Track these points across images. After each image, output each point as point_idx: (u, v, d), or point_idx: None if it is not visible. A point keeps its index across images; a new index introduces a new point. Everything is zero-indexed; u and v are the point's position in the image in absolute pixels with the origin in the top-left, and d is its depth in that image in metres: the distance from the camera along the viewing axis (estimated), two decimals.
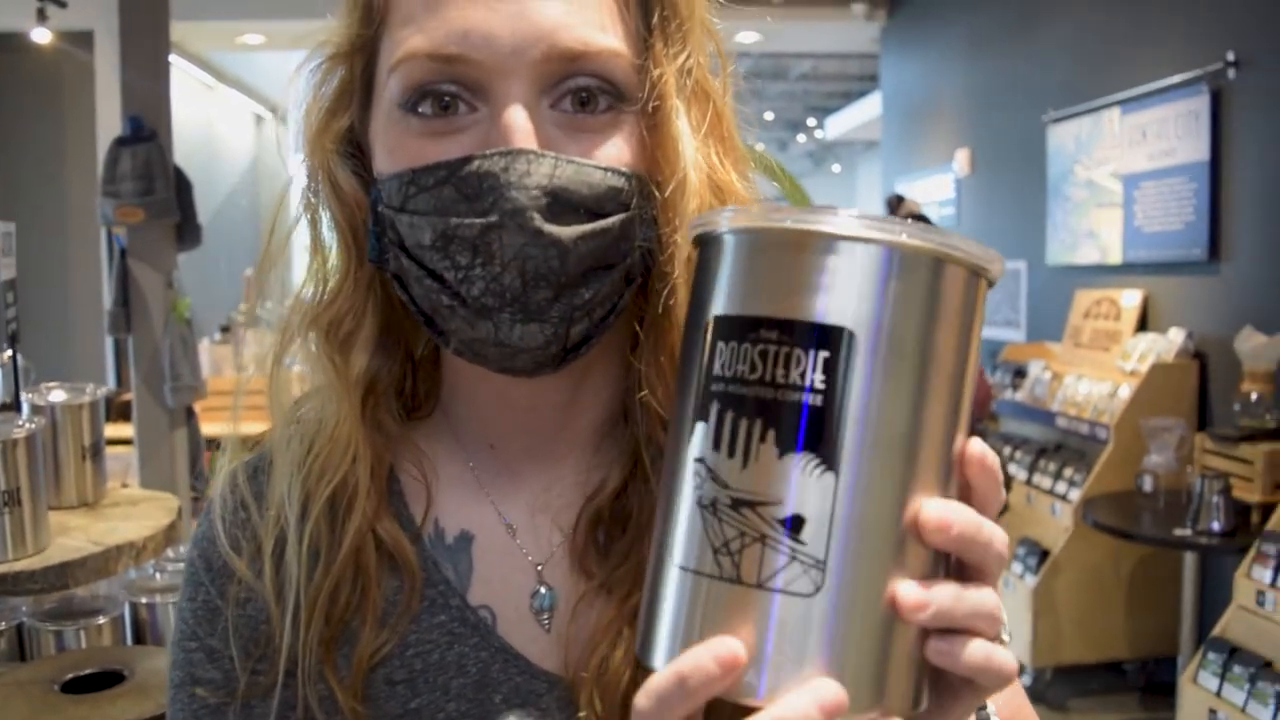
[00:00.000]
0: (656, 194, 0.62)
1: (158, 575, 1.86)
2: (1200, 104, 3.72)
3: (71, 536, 1.73)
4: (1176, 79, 3.84)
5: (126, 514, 1.93)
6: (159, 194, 3.00)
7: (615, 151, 0.61)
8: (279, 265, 0.71)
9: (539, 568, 0.69)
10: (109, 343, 6.18)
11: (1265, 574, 2.79)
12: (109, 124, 5.75)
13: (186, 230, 3.14)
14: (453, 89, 0.60)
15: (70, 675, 1.38)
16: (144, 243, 3.07)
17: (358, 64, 0.65)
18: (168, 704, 0.70)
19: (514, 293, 0.58)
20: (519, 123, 0.58)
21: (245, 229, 9.20)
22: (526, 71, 0.59)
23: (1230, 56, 3.57)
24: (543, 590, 0.68)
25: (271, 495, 0.67)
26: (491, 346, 0.60)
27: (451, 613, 0.67)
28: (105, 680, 1.39)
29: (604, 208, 0.60)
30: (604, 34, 0.60)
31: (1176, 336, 3.86)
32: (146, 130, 3.01)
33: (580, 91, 0.60)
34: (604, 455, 0.70)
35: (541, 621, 0.68)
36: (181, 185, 3.12)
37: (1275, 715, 2.62)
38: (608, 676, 0.63)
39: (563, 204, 0.59)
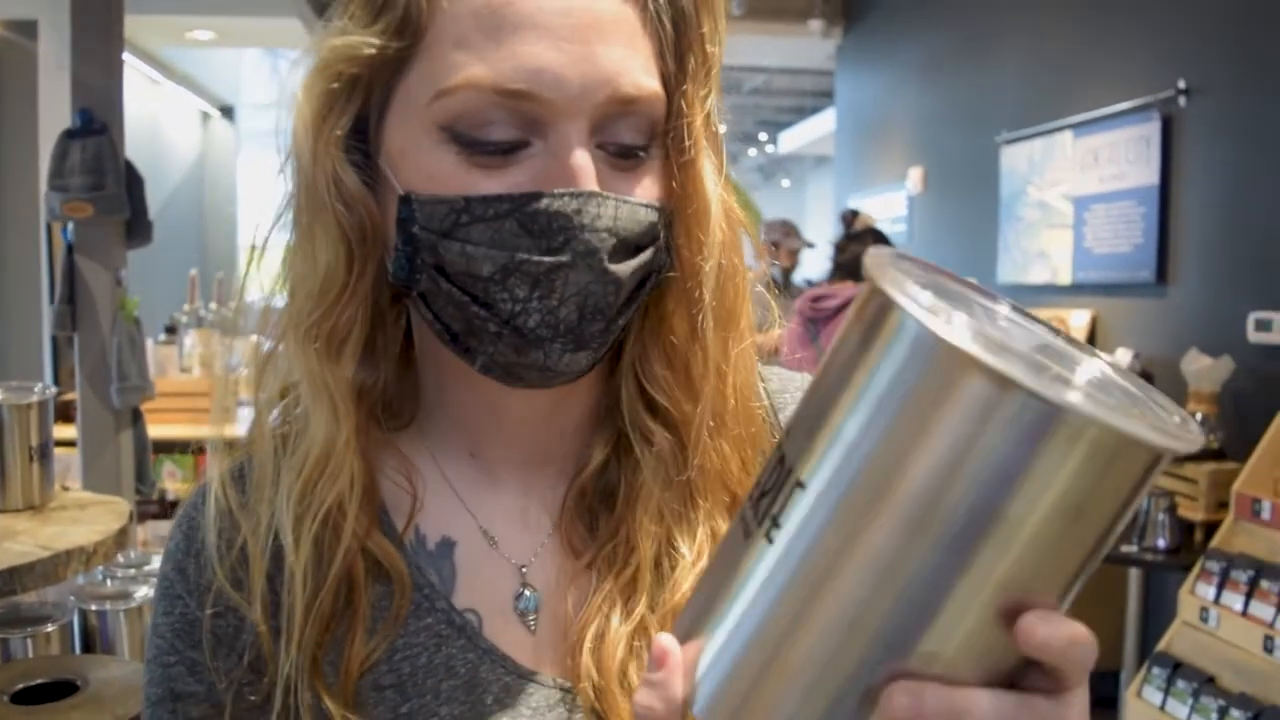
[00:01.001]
0: (679, 225, 0.66)
1: (108, 581, 1.81)
2: (1151, 130, 3.80)
3: (18, 541, 1.67)
4: (1129, 104, 3.92)
5: (75, 518, 1.88)
6: (109, 189, 2.92)
7: (652, 188, 0.64)
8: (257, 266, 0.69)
9: (522, 570, 0.69)
10: (47, 341, 6.02)
11: (1209, 591, 2.84)
12: (52, 116, 5.60)
13: (137, 227, 3.06)
14: (510, 122, 0.60)
15: (20, 685, 1.33)
16: (92, 239, 2.99)
17: (380, 71, 0.63)
18: None
19: (569, 324, 0.61)
20: (587, 165, 0.60)
21: (190, 228, 9.04)
22: (590, 113, 0.60)
23: (1181, 84, 3.65)
24: (526, 593, 0.69)
25: (260, 508, 0.66)
26: (535, 371, 0.62)
27: (438, 615, 0.67)
28: (57, 691, 1.34)
29: (644, 242, 0.64)
30: (650, 77, 0.62)
31: (1124, 357, 3.93)
32: (97, 123, 2.94)
33: (626, 140, 0.63)
34: (587, 442, 0.72)
35: (527, 623, 0.68)
36: (132, 180, 3.04)
37: None
38: (604, 647, 0.64)
39: (622, 244, 0.62)
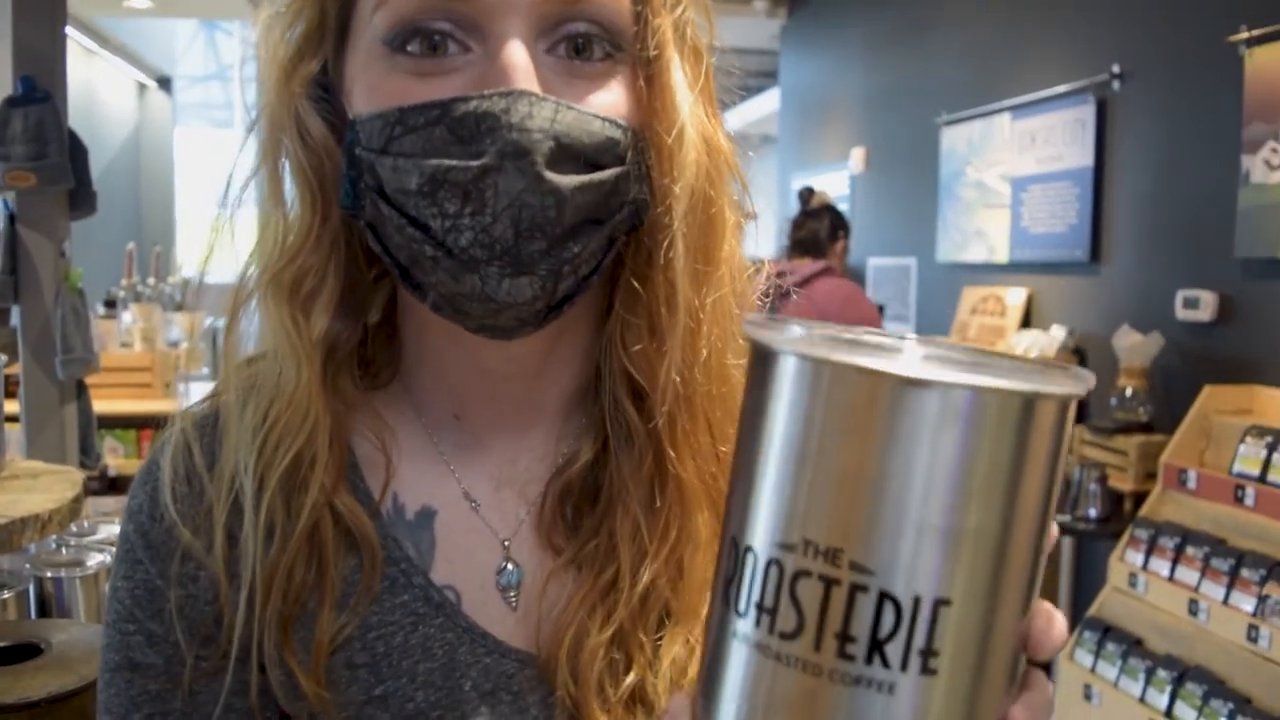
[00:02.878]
0: (650, 148, 0.61)
1: (62, 550, 1.81)
2: (1086, 113, 3.89)
3: None
4: (1064, 88, 4.00)
5: (28, 487, 1.87)
6: (52, 158, 2.87)
7: (612, 100, 0.59)
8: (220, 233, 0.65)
9: (505, 543, 0.67)
10: None
11: (1137, 558, 2.95)
12: None
13: (80, 197, 3.01)
14: (445, 26, 0.57)
15: None
16: (35, 209, 2.94)
17: (332, 3, 0.61)
18: (101, 688, 0.65)
19: (505, 244, 0.55)
20: (520, 60, 0.56)
21: (127, 200, 8.86)
22: (525, 10, 0.57)
23: (1115, 69, 3.74)
24: (509, 567, 0.66)
25: (224, 463, 0.63)
26: (475, 302, 0.57)
27: (414, 592, 0.64)
28: (20, 654, 1.35)
29: (601, 159, 0.58)
30: None
31: (1058, 333, 4.03)
32: (40, 91, 2.89)
33: (577, 37, 0.58)
34: (573, 425, 0.68)
35: (509, 599, 0.65)
36: (76, 150, 2.99)
37: (1145, 689, 2.78)
38: (581, 655, 0.62)
39: (563, 151, 0.56)
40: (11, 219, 2.92)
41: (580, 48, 0.58)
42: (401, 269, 0.60)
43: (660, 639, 0.62)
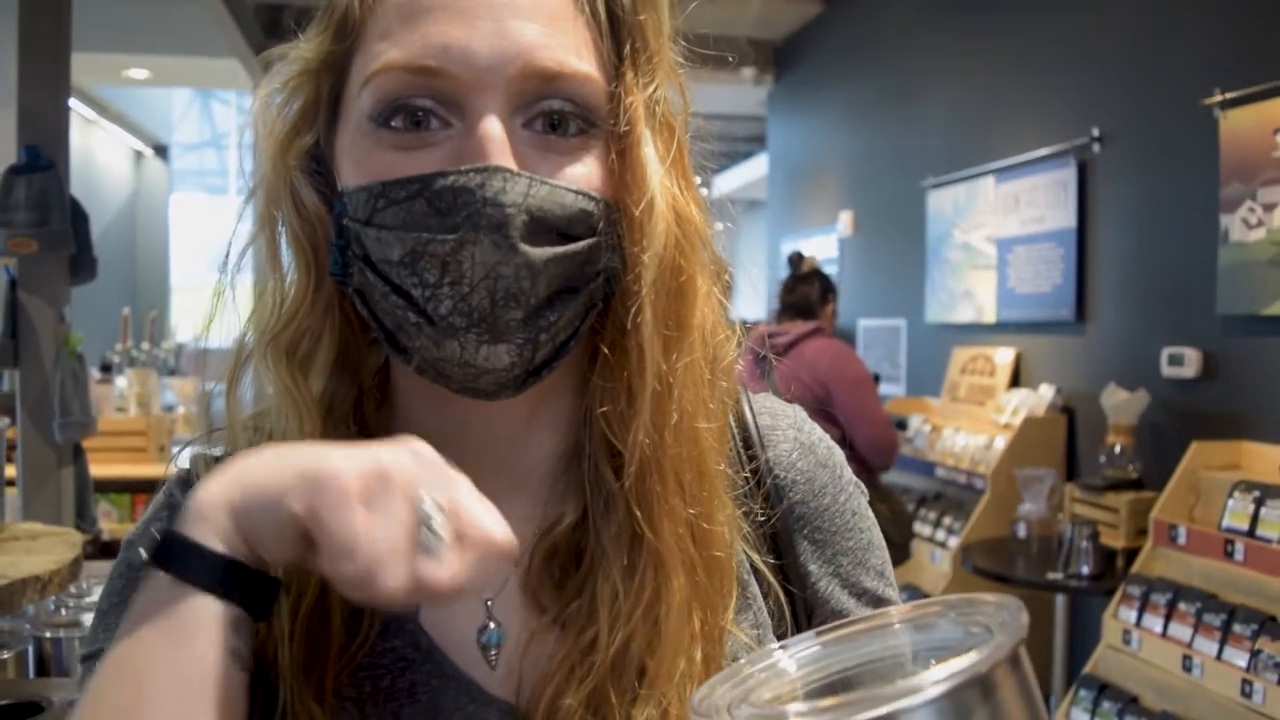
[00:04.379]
0: (621, 219, 0.63)
1: (61, 610, 1.82)
2: (1068, 174, 3.97)
3: None
4: (1046, 151, 4.09)
5: (28, 548, 1.89)
6: (54, 225, 2.92)
7: (585, 174, 0.62)
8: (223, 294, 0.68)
9: (488, 603, 0.67)
10: None
11: (1130, 614, 2.96)
12: None
13: (81, 263, 3.06)
14: (427, 103, 0.60)
15: None
16: (36, 275, 2.98)
17: (326, 81, 0.65)
18: (88, 637, 0.68)
19: (482, 312, 0.58)
20: (495, 135, 0.58)
21: (123, 265, 8.92)
22: (503, 87, 0.59)
23: (1095, 132, 3.83)
24: (491, 626, 0.66)
25: None
26: (456, 367, 0.60)
27: (405, 638, 0.66)
28: (21, 712, 1.35)
29: (574, 230, 0.61)
30: (579, 59, 0.61)
31: (1046, 392, 4.08)
32: (44, 160, 2.94)
33: (553, 114, 0.61)
34: (559, 488, 0.69)
35: (489, 658, 0.66)
36: (77, 216, 3.04)
37: None
38: (557, 716, 0.63)
39: (537, 224, 0.59)
40: (13, 284, 2.96)
41: (556, 124, 0.61)
42: (388, 333, 0.62)
43: (634, 700, 0.63)
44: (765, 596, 0.71)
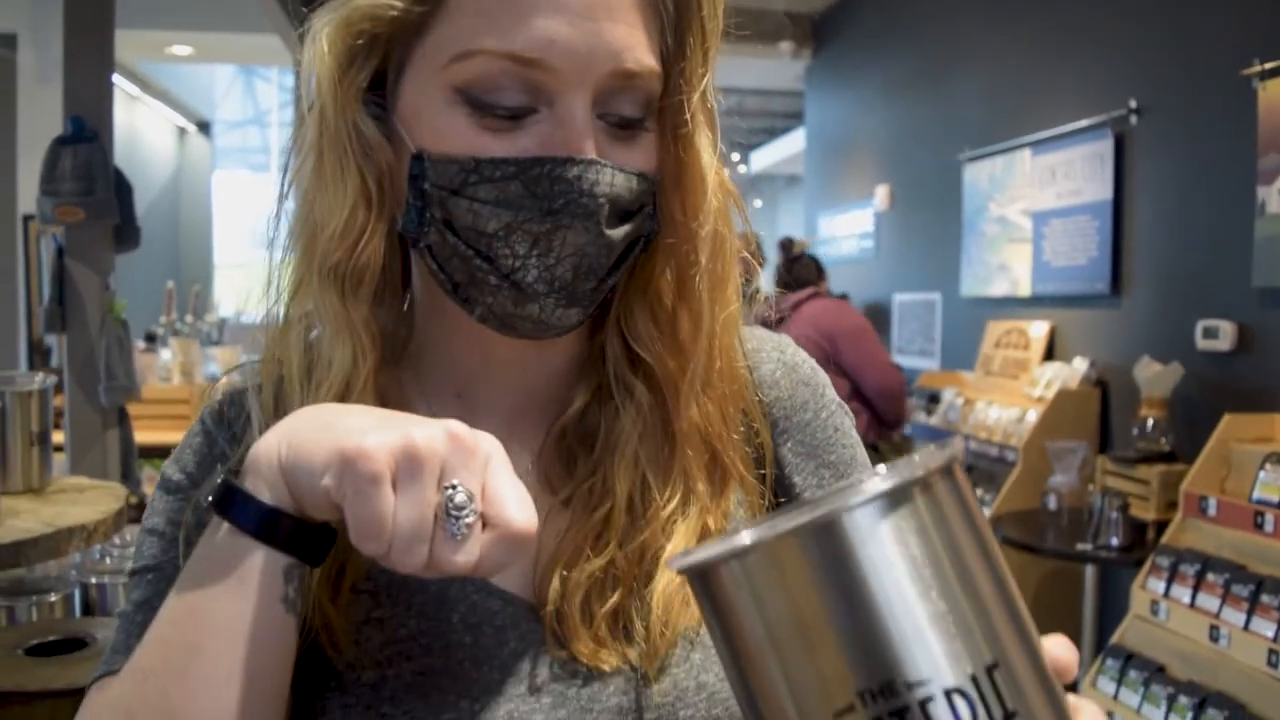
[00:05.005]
0: (674, 194, 0.70)
1: (106, 559, 1.89)
2: (1105, 147, 3.95)
3: (21, 519, 1.75)
4: (1083, 123, 4.06)
5: (74, 500, 1.96)
6: (99, 194, 3.00)
7: (644, 159, 0.68)
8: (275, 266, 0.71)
9: None
10: (23, 343, 6.06)
11: (1159, 585, 2.96)
12: (31, 124, 5.68)
13: (125, 232, 3.14)
14: (520, 89, 0.64)
15: (34, 641, 1.41)
16: (82, 243, 3.06)
17: (399, 31, 0.67)
18: (135, 553, 0.73)
19: (563, 282, 0.65)
20: (588, 130, 0.64)
21: (166, 241, 9.07)
22: (593, 84, 0.64)
23: (1132, 104, 3.80)
24: None
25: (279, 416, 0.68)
26: (530, 323, 0.67)
27: None
28: (67, 647, 1.42)
29: (633, 209, 0.68)
30: (650, 56, 0.66)
31: (1080, 365, 4.06)
32: (88, 131, 3.02)
33: (624, 112, 0.67)
34: (568, 385, 0.75)
35: None
36: (121, 187, 3.12)
37: (1167, 715, 2.78)
38: (571, 576, 0.68)
39: (614, 209, 0.66)
40: (60, 252, 3.04)
41: (625, 121, 0.67)
42: (454, 284, 0.68)
43: (645, 568, 0.69)
44: (758, 508, 0.77)
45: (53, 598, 1.68)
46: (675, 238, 0.71)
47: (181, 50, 7.29)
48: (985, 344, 4.72)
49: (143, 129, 8.41)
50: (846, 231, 6.74)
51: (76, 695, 1.31)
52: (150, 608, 0.67)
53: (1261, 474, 2.78)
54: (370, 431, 0.54)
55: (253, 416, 0.71)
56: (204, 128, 10.20)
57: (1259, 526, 2.73)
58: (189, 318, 7.19)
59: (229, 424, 0.74)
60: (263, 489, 0.57)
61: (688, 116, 0.68)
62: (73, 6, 3.05)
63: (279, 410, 0.70)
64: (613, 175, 0.65)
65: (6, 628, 1.59)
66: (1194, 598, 2.84)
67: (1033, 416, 4.03)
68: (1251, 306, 3.26)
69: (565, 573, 0.68)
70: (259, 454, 0.58)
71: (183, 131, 9.77)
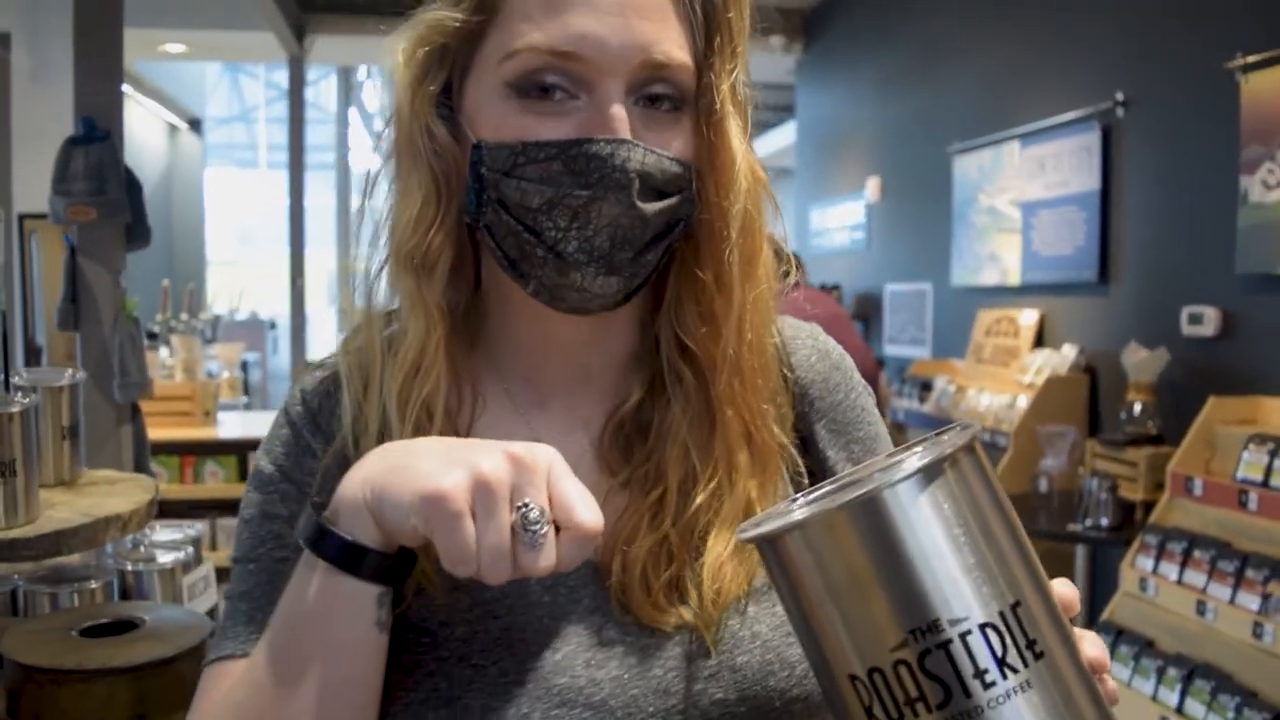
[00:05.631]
0: (708, 179, 0.77)
1: (141, 548, 1.95)
2: (1092, 139, 4.04)
3: (58, 510, 1.81)
4: (1071, 116, 4.14)
5: (107, 491, 2.02)
6: (111, 193, 3.06)
7: (680, 144, 0.76)
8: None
9: None
10: (19, 342, 6.09)
11: (1147, 563, 3.06)
12: (25, 126, 5.72)
13: (136, 230, 3.20)
14: (561, 80, 0.72)
15: (88, 624, 1.48)
16: (94, 242, 3.12)
17: (462, 42, 0.76)
18: (236, 541, 0.80)
19: (601, 251, 0.72)
20: (621, 114, 0.72)
21: (160, 238, 9.07)
22: (625, 74, 0.72)
23: (1119, 96, 3.89)
24: None
25: (369, 400, 0.78)
26: (573, 291, 0.73)
27: None
28: (117, 629, 1.49)
29: (669, 190, 0.75)
30: (680, 51, 0.74)
31: (1069, 352, 4.16)
32: (100, 131, 3.08)
33: (656, 96, 0.74)
34: (626, 379, 0.84)
35: None
36: (132, 186, 3.18)
37: (1156, 687, 2.88)
38: (631, 551, 0.76)
39: (645, 185, 0.73)
40: (73, 251, 3.10)
41: (654, 100, 0.75)
42: (510, 260, 0.75)
43: (697, 542, 0.77)
44: (796, 477, 0.85)
45: (93, 584, 1.74)
46: (709, 215, 0.77)
47: (175, 48, 7.32)
48: (976, 332, 4.81)
49: (134, 127, 8.43)
50: (838, 224, 6.83)
51: (132, 672, 1.39)
52: (251, 598, 0.77)
53: (1245, 454, 2.88)
54: (443, 472, 0.61)
55: (345, 398, 0.79)
56: (195, 125, 10.22)
57: (1243, 505, 2.82)
58: (184, 315, 7.24)
59: (313, 416, 0.82)
60: (353, 529, 0.65)
61: (718, 105, 0.75)
62: (82, 7, 3.10)
63: (368, 389, 0.78)
64: (644, 154, 0.72)
65: (56, 612, 1.66)
66: (1181, 574, 2.93)
67: (1023, 402, 4.12)
68: (1235, 293, 3.35)
69: (625, 549, 0.76)
70: (345, 498, 0.65)
71: (174, 129, 9.79)
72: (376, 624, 0.67)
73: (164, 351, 5.51)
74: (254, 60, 10.08)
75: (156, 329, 6.53)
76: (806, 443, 0.86)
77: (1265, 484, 2.79)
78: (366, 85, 11.77)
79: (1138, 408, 3.60)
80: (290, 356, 7.34)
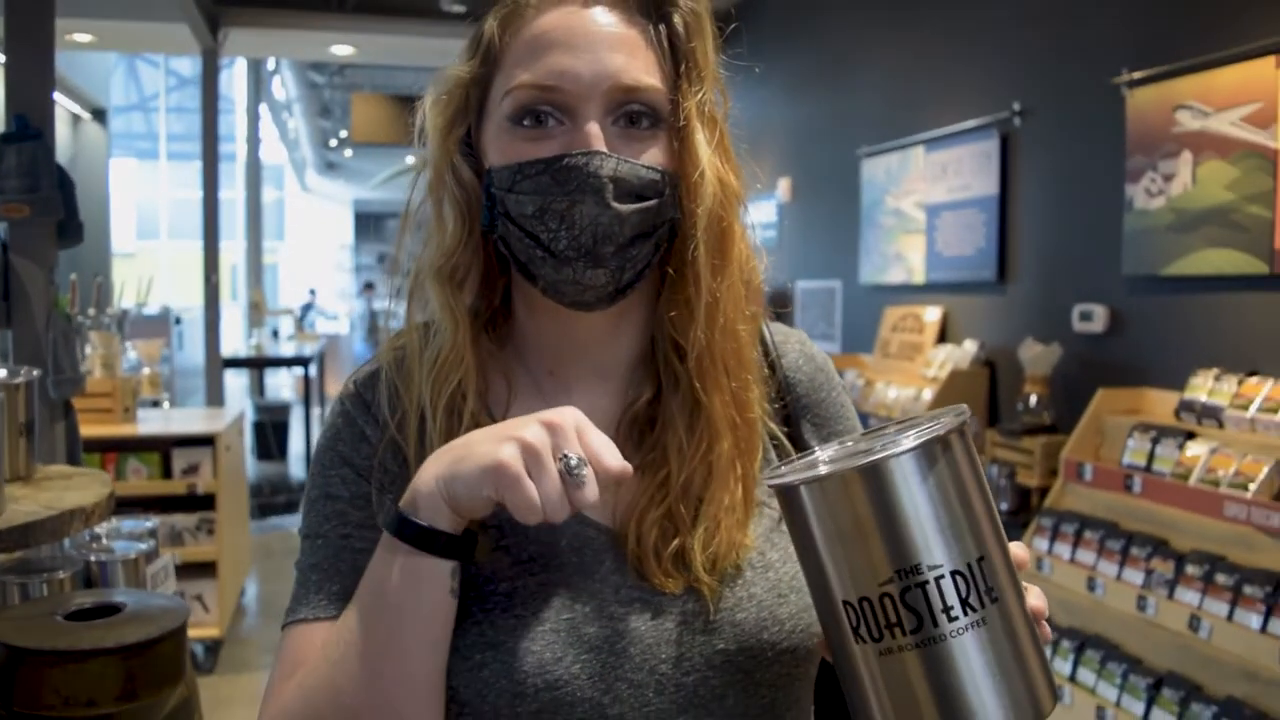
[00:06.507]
0: (681, 186, 0.88)
1: (99, 540, 2.02)
2: (991, 146, 4.26)
3: (22, 504, 1.87)
4: (972, 123, 4.36)
5: (65, 486, 2.08)
6: (44, 191, 3.06)
7: (654, 155, 0.88)
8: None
9: None
10: None
11: (1043, 544, 3.28)
12: None
13: (68, 227, 3.21)
14: (548, 109, 0.86)
15: (74, 608, 1.56)
16: (27, 239, 3.11)
17: (474, 90, 0.92)
18: (303, 517, 0.93)
19: (587, 247, 0.84)
20: (595, 132, 0.85)
21: None
22: (599, 99, 0.86)
23: (1016, 107, 4.11)
24: None
25: (409, 389, 0.91)
26: (569, 285, 0.85)
27: None
28: (101, 612, 1.57)
29: (647, 193, 0.86)
30: (649, 76, 0.87)
31: (970, 347, 4.39)
32: (32, 129, 3.08)
33: (631, 114, 0.87)
34: (637, 377, 0.96)
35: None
36: (64, 183, 3.18)
37: (1052, 658, 3.11)
38: (643, 525, 0.88)
39: (621, 189, 0.85)
40: (4, 248, 3.09)
41: (632, 119, 0.88)
42: (521, 265, 0.89)
43: (697, 515, 0.90)
44: (781, 456, 0.98)
45: (62, 575, 1.81)
46: (680, 216, 0.89)
47: (83, 38, 7.17)
48: (883, 328, 5.03)
49: None
50: (751, 222, 6.99)
51: (122, 652, 1.47)
52: (320, 569, 0.90)
53: (1130, 442, 3.13)
54: (497, 449, 0.74)
55: (383, 388, 0.93)
56: (99, 115, 9.97)
57: (1128, 489, 3.07)
58: (91, 310, 7.09)
59: (366, 404, 0.94)
60: (430, 516, 0.78)
61: (684, 121, 0.88)
62: (14, 5, 3.10)
63: (410, 380, 0.91)
64: (616, 163, 0.84)
65: (39, 599, 1.72)
66: (1073, 553, 3.17)
67: (928, 395, 4.35)
68: (1121, 292, 3.61)
69: (638, 524, 0.88)
70: (421, 492, 0.78)
71: (77, 119, 9.54)
72: (451, 591, 0.81)
73: (84, 346, 5.42)
74: (167, 52, 9.85)
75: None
76: (793, 434, 1.00)
77: (1148, 469, 3.03)
78: (275, 79, 11.61)
79: (1033, 399, 3.84)
80: (204, 352, 7.23)
